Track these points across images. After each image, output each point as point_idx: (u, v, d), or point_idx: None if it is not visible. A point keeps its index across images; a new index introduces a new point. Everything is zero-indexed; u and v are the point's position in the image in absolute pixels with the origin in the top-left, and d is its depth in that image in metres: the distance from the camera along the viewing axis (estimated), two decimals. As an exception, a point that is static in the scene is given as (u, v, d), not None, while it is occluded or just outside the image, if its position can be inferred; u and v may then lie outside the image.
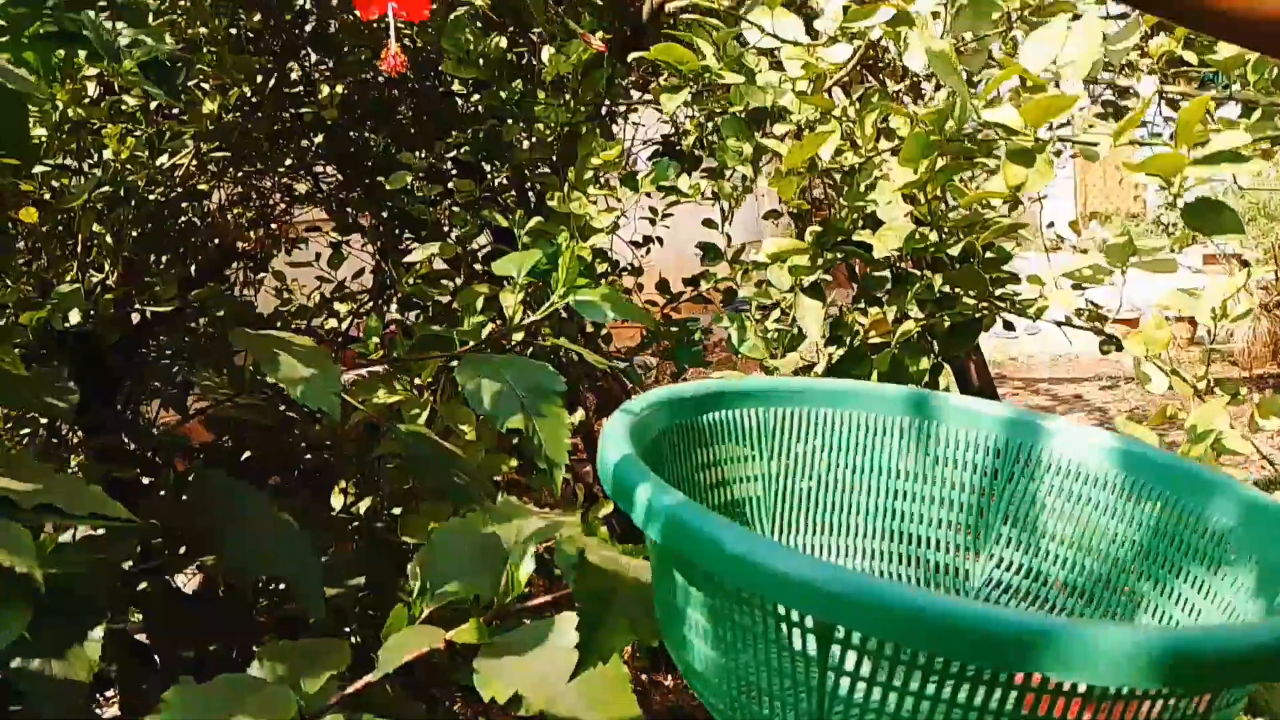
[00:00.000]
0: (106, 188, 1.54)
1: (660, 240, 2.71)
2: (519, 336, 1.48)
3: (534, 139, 1.83)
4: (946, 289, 1.31)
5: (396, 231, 2.17)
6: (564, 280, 0.96)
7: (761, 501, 0.76)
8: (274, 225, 2.51)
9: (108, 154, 1.72)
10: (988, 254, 1.23)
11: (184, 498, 0.96)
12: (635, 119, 3.01)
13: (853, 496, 0.76)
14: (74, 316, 1.63)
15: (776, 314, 1.47)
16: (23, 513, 0.63)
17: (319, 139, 2.02)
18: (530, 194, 2.10)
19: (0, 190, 1.36)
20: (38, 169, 1.62)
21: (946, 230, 1.18)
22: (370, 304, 2.28)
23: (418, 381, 1.60)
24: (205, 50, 1.65)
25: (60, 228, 1.75)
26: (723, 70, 1.17)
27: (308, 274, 2.58)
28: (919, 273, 1.36)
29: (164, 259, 1.87)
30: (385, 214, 2.21)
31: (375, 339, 1.34)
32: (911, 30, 1.23)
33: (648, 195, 1.73)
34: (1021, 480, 0.68)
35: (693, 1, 1.14)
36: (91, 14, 0.79)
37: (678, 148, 2.88)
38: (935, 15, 1.25)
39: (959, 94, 0.90)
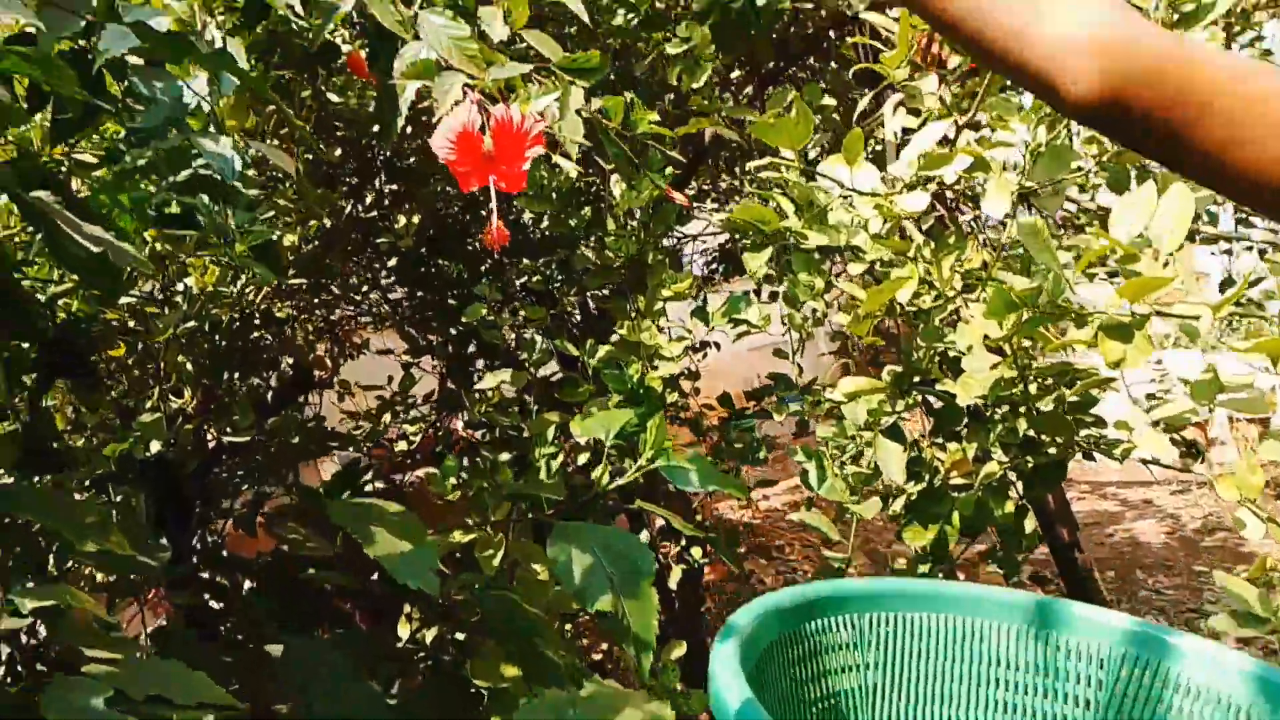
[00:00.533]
0: (191, 323, 1.58)
1: (717, 345, 2.72)
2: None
3: (602, 264, 1.86)
4: (1031, 433, 1.28)
5: (466, 352, 2.20)
6: (651, 443, 0.96)
7: (863, 710, 0.74)
8: (340, 332, 2.57)
9: (191, 283, 1.77)
10: (1072, 396, 1.21)
11: (273, 663, 0.95)
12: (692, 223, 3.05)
13: (957, 710, 0.73)
14: (154, 446, 1.67)
15: (852, 447, 1.45)
16: (136, 704, 0.63)
17: (393, 262, 2.07)
18: (595, 313, 2.13)
19: (91, 331, 1.41)
20: (123, 299, 1.67)
21: (1032, 378, 1.16)
22: (437, 419, 2.30)
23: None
24: (287, 184, 1.71)
25: (140, 348, 1.80)
26: (805, 228, 1.18)
27: (372, 373, 2.62)
28: (999, 411, 1.34)
29: (239, 380, 1.91)
30: (454, 330, 2.25)
31: (451, 480, 1.34)
32: (988, 176, 1.24)
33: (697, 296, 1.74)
34: (1147, 701, 0.64)
35: (771, 161, 1.16)
36: (206, 198, 0.82)
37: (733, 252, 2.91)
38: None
39: (1053, 271, 0.89)
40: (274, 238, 0.79)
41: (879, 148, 2.30)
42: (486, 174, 0.90)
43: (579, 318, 2.03)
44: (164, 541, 0.98)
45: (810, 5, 1.72)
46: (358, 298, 2.05)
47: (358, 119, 1.79)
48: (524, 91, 0.95)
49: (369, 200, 2.11)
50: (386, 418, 2.13)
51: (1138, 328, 0.81)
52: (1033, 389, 1.25)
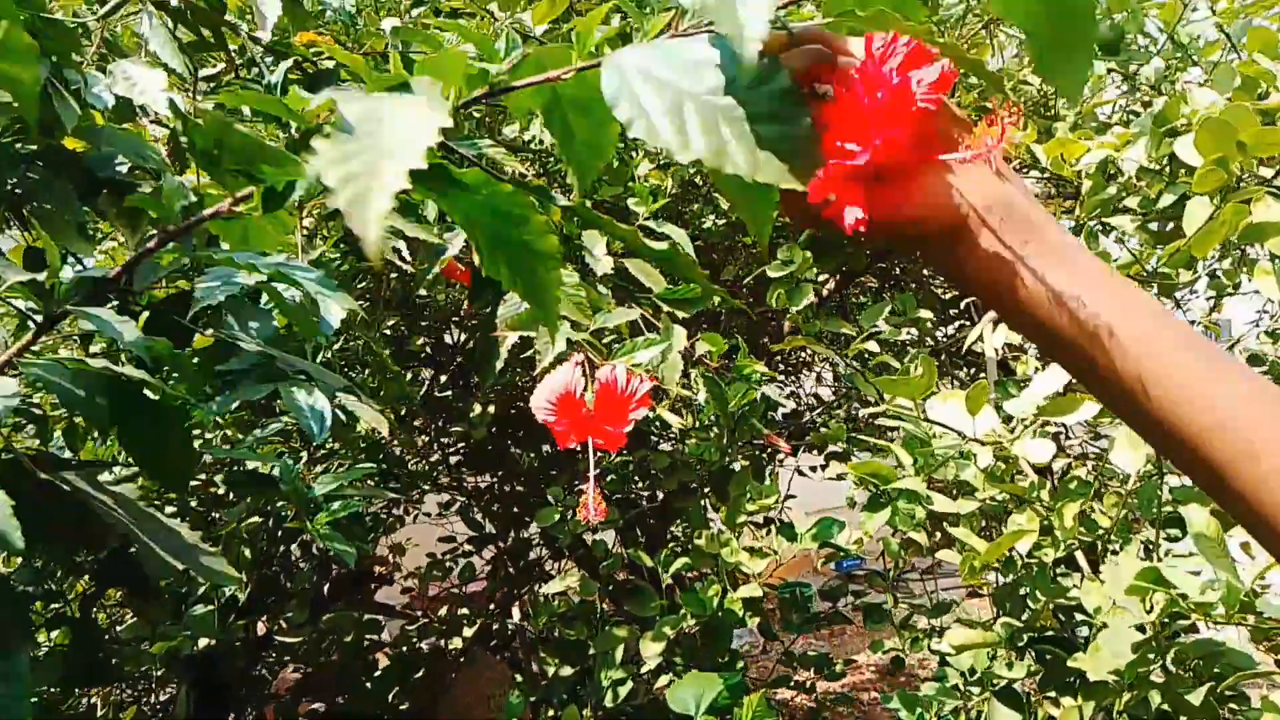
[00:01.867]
0: (256, 518, 1.52)
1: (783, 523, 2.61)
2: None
3: (680, 464, 1.78)
4: (1165, 707, 1.14)
5: (526, 536, 2.12)
6: (750, 725, 0.85)
7: None
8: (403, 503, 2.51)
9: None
10: (1224, 685, 1.07)
11: None
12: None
13: None
14: (203, 641, 1.59)
15: (955, 700, 1.31)
16: None
17: (462, 444, 2.02)
18: (665, 512, 2.03)
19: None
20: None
21: (1176, 656, 1.03)
22: (493, 606, 2.19)
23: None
24: (366, 374, 1.68)
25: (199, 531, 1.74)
26: (921, 479, 1.10)
27: (421, 533, 2.54)
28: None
29: (296, 564, 1.84)
30: (515, 508, 2.18)
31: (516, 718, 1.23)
32: (1118, 424, 1.14)
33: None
34: None
35: (889, 409, 1.09)
36: (295, 465, 0.76)
37: (807, 427, 2.82)
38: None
39: (1228, 576, 0.79)
40: (360, 509, 0.73)
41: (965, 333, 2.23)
42: (586, 433, 0.83)
43: (649, 518, 1.94)
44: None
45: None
46: (425, 486, 1.99)
47: (442, 311, 1.77)
48: (629, 341, 0.89)
49: (444, 380, 2.08)
50: (443, 611, 2.03)
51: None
52: (1169, 660, 1.12)
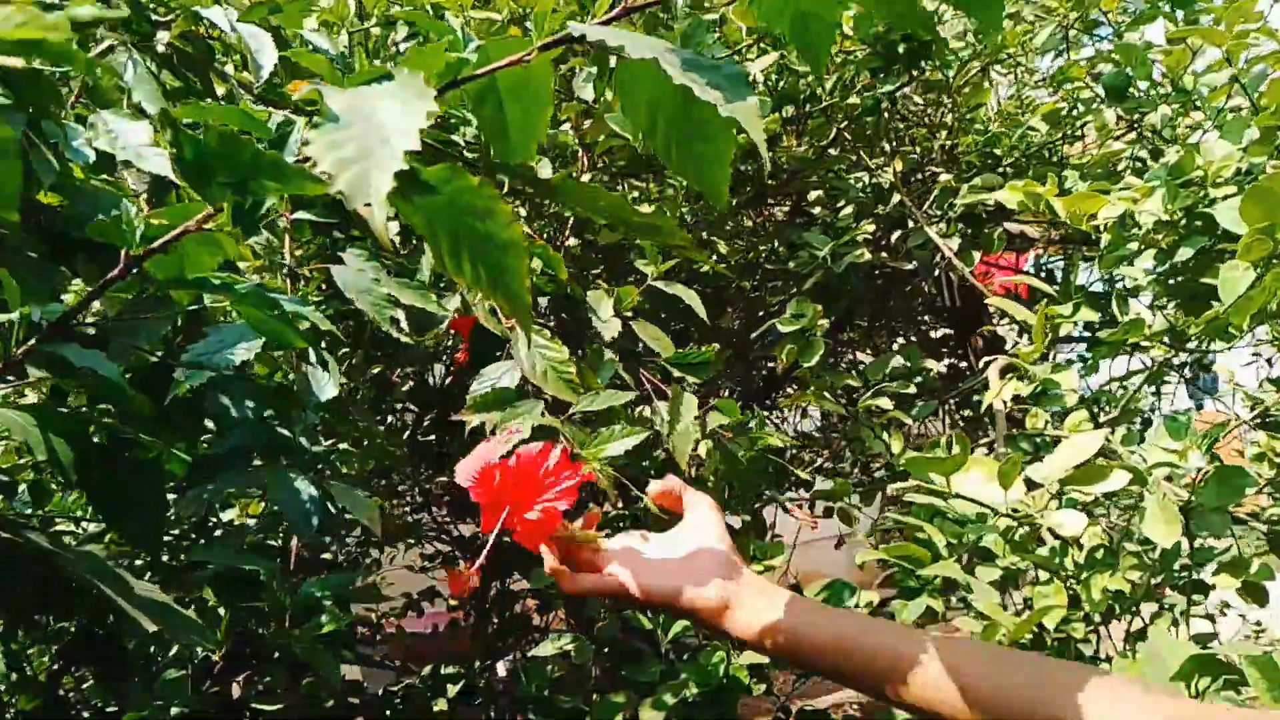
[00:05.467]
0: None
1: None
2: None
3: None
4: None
5: (510, 586, 2.05)
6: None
7: None
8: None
9: (234, 515, 1.64)
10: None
11: None
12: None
13: None
14: (174, 709, 1.49)
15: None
16: None
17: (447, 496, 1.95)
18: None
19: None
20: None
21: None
22: (480, 667, 2.11)
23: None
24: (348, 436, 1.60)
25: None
26: (950, 561, 1.04)
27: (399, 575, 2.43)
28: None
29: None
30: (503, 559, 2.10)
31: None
32: (1148, 494, 1.10)
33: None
34: None
35: (918, 485, 1.03)
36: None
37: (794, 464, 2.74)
38: (1170, 480, 1.11)
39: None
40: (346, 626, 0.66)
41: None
42: (501, 518, 0.75)
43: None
44: None
45: (908, 265, 1.63)
46: (411, 540, 1.92)
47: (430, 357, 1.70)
48: (604, 430, 0.82)
49: (426, 423, 2.01)
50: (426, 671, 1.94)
51: None
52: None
